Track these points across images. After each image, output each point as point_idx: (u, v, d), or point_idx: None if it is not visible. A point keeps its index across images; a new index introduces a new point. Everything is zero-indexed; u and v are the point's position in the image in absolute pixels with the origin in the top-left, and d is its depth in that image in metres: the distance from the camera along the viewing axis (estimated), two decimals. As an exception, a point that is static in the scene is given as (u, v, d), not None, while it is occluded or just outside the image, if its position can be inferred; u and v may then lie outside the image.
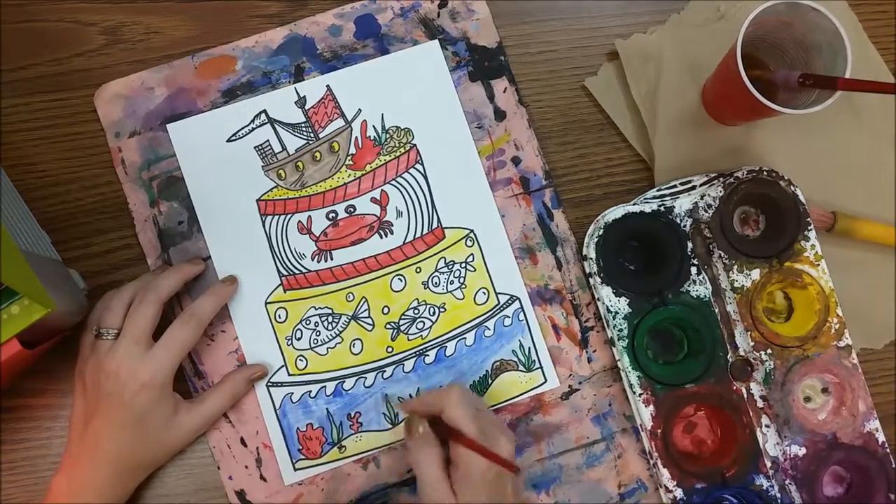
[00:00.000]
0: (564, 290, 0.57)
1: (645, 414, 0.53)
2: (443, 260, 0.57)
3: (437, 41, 0.58)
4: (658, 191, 0.56)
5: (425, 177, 0.57)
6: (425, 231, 0.57)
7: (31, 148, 0.56)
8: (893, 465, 0.54)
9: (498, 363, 0.56)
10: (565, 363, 0.57)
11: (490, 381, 0.56)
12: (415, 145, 0.57)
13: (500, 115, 0.58)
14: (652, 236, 0.56)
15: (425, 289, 0.56)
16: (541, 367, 0.56)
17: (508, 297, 0.57)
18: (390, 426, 0.55)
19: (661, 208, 0.55)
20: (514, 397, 0.56)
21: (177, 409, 0.51)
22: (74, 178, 0.56)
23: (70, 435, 0.51)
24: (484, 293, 0.57)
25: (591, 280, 0.55)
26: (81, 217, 0.56)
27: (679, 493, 0.53)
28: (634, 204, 0.56)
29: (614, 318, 0.54)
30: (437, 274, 0.56)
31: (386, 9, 0.58)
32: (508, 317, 0.56)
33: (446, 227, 0.57)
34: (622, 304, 0.54)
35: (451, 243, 0.57)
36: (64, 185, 0.56)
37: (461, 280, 0.57)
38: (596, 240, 0.55)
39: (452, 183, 0.57)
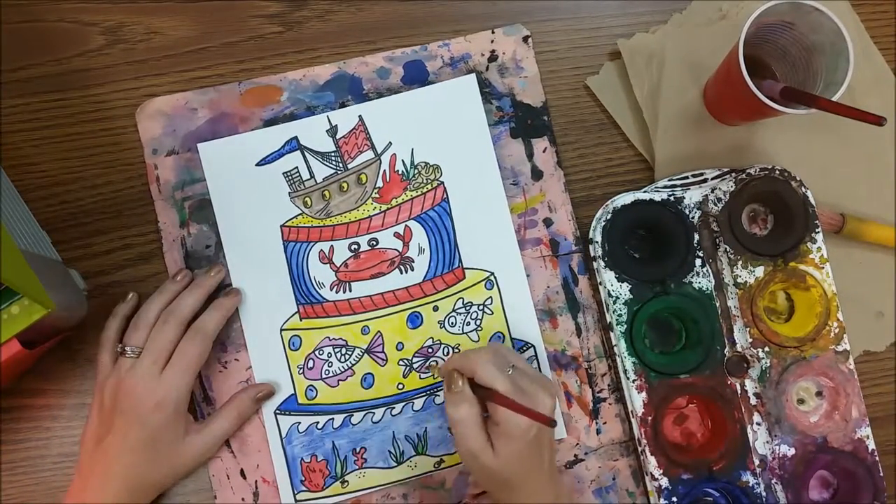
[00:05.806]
0: (581, 358, 0.56)
1: (637, 400, 0.53)
2: (461, 300, 0.56)
3: (473, 74, 0.57)
4: (669, 181, 0.56)
5: (450, 215, 0.56)
6: (446, 270, 0.56)
7: (31, 148, 0.56)
8: (881, 474, 0.54)
9: None
10: (573, 432, 0.56)
11: None
12: (442, 182, 0.56)
13: (537, 174, 0.57)
14: (659, 225, 0.55)
15: (441, 328, 0.56)
16: None
17: (523, 343, 0.56)
18: (395, 464, 0.54)
19: (671, 198, 0.55)
20: None
21: (187, 430, 0.51)
22: (74, 178, 0.56)
23: (81, 454, 0.51)
24: (499, 337, 0.56)
25: (595, 264, 0.54)
26: (81, 217, 0.56)
27: (664, 481, 0.53)
28: (645, 191, 0.55)
29: (615, 302, 0.54)
30: (454, 314, 0.56)
31: (436, 57, 0.58)
32: None
33: (467, 268, 0.56)
34: (623, 290, 0.54)
35: (470, 284, 0.56)
36: (64, 185, 0.56)
37: (478, 322, 0.56)
38: (603, 223, 0.55)
39: (477, 223, 0.56)
